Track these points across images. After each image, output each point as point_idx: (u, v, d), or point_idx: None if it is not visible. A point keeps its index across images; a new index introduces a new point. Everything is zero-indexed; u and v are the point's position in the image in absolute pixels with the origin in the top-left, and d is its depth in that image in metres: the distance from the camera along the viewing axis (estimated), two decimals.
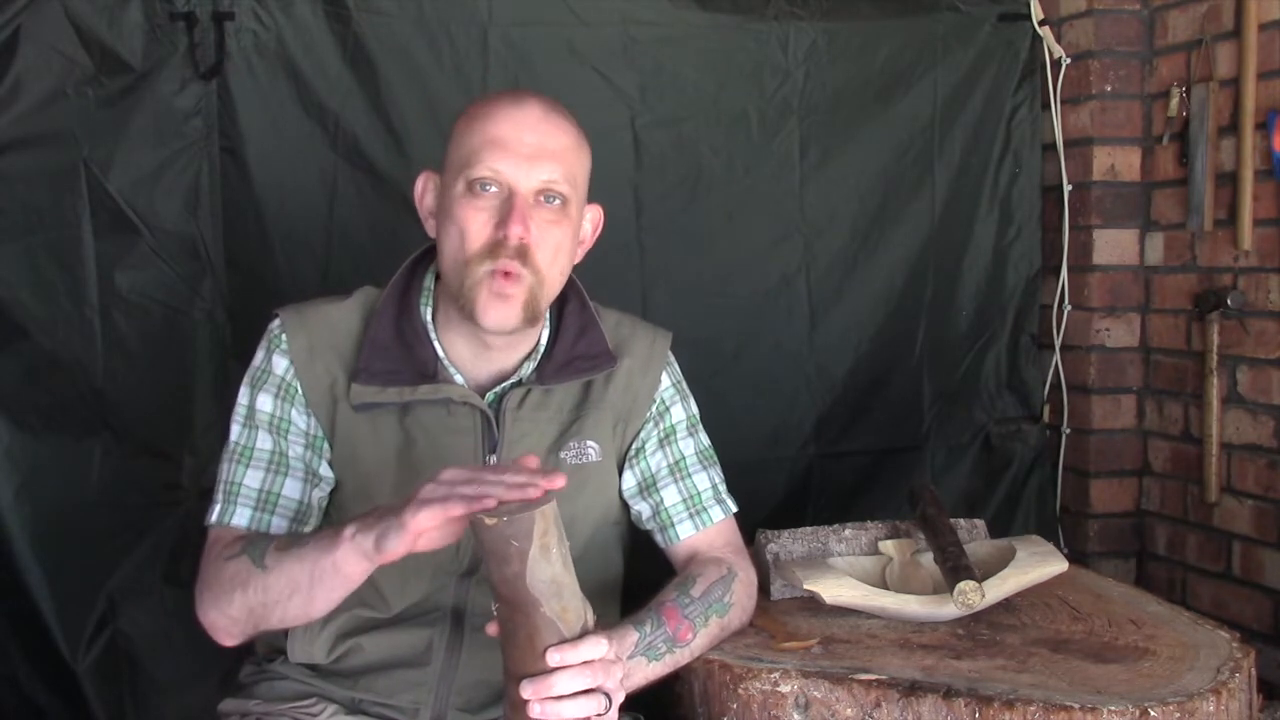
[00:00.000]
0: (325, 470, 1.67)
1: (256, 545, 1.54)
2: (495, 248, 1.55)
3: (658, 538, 1.77)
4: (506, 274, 1.55)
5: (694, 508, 1.75)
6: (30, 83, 2.20)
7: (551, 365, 1.67)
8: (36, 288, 2.23)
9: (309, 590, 1.47)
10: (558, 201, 1.58)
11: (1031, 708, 1.50)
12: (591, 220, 1.72)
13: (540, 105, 1.61)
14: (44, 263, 2.23)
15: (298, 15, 2.36)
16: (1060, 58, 2.82)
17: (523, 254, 1.55)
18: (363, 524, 1.41)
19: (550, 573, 1.32)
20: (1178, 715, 1.50)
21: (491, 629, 1.38)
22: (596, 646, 1.35)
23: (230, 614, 1.54)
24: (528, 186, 1.56)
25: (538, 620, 1.33)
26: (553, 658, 1.33)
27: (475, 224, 1.56)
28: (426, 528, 1.34)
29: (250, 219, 2.35)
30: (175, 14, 2.28)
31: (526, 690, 1.33)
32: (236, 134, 2.33)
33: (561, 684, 1.33)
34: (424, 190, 1.68)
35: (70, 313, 2.25)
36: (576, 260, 1.69)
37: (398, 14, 2.41)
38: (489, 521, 1.29)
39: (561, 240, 1.60)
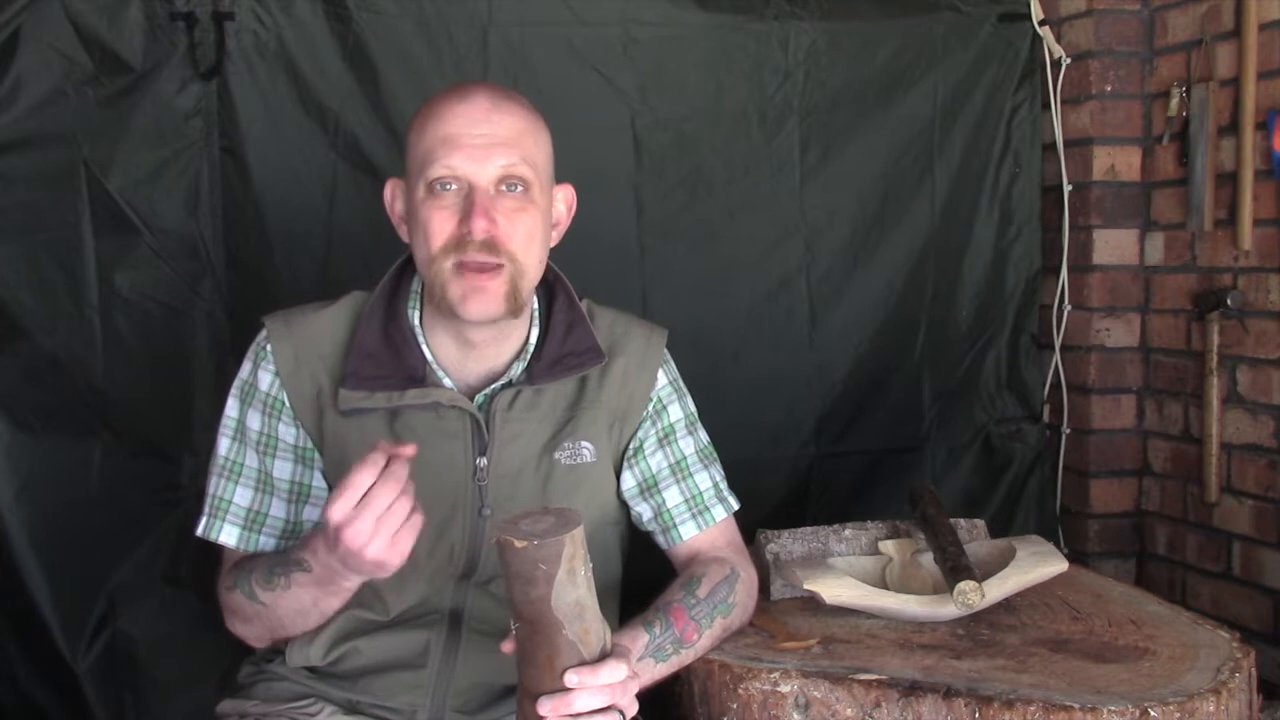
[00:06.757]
0: (318, 481, 1.67)
1: (243, 578, 1.59)
2: (460, 241, 1.55)
3: (659, 539, 1.77)
4: (480, 269, 1.55)
5: (696, 508, 1.75)
6: (30, 83, 2.20)
7: (541, 364, 1.66)
8: (36, 288, 2.23)
9: (318, 610, 1.56)
10: (520, 188, 1.58)
11: (1031, 708, 1.50)
12: (564, 200, 1.71)
13: (487, 95, 1.60)
14: (44, 263, 2.23)
15: (298, 15, 2.36)
16: (1060, 58, 2.82)
17: (491, 247, 1.55)
18: (343, 563, 1.44)
19: (575, 596, 1.31)
20: (1178, 715, 1.50)
21: (507, 646, 1.39)
22: (616, 670, 1.36)
23: (253, 634, 1.66)
24: (487, 178, 1.56)
25: (559, 642, 1.33)
26: (571, 680, 1.34)
27: (437, 222, 1.56)
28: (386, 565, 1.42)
29: (250, 219, 2.35)
30: (175, 14, 2.27)
31: (544, 707, 1.34)
32: (236, 134, 2.33)
33: (580, 703, 1.34)
34: (393, 198, 1.68)
35: (70, 313, 2.25)
36: (554, 243, 1.69)
37: (398, 14, 2.41)
38: (518, 544, 1.27)
39: (532, 227, 1.59)
